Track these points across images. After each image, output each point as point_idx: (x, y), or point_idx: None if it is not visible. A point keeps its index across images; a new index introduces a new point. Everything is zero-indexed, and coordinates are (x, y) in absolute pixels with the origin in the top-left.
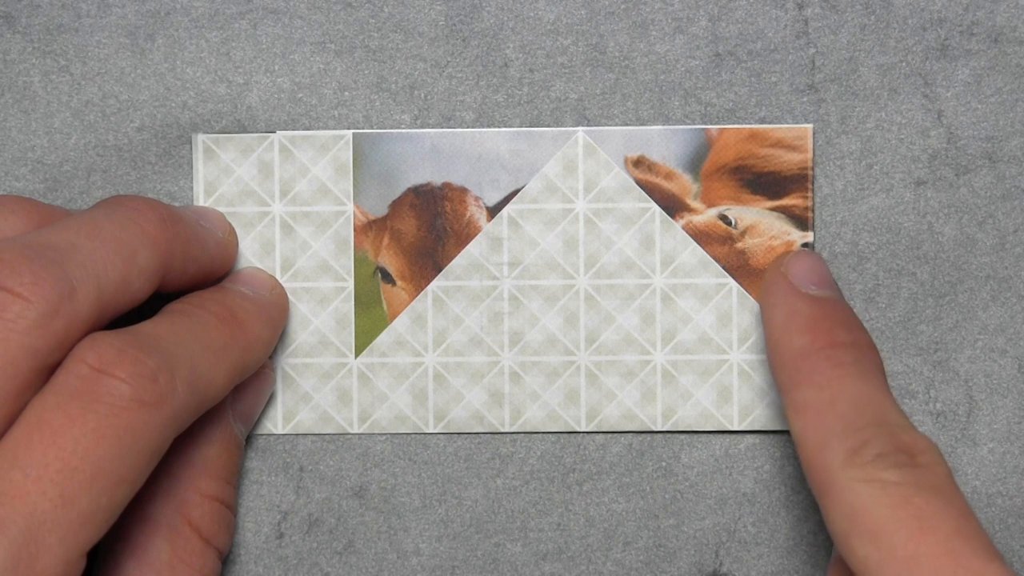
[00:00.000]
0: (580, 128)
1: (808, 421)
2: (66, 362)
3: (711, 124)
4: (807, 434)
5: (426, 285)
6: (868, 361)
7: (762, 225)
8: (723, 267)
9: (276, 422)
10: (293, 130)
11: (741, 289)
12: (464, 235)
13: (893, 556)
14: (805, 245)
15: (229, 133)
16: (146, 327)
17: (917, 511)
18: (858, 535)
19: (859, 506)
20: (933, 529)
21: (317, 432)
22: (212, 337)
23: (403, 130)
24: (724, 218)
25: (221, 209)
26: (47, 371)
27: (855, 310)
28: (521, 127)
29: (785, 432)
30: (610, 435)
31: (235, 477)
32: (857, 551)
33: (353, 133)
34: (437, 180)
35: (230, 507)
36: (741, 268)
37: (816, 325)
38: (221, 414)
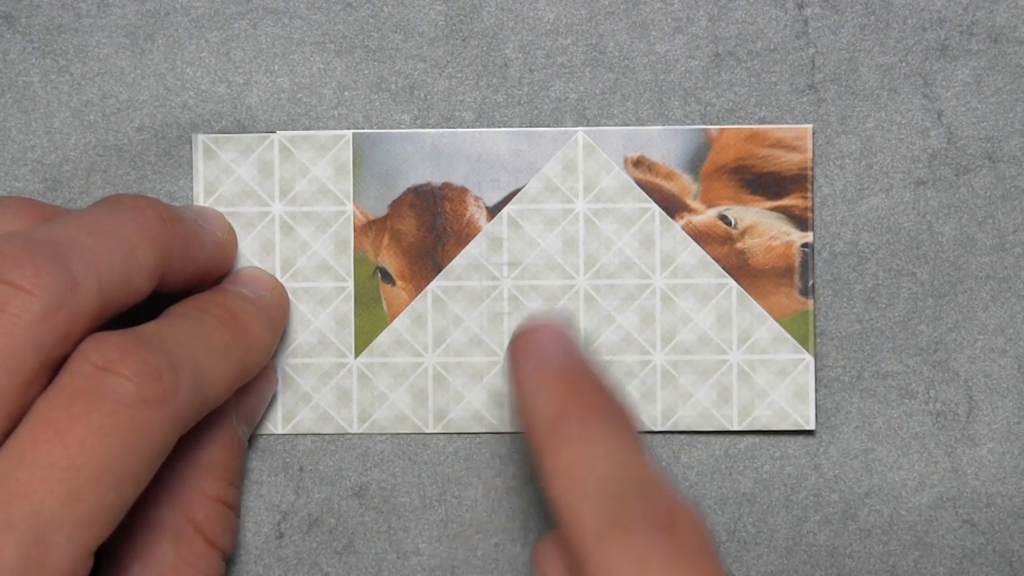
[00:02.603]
0: (580, 128)
1: (563, 485)
2: (70, 361)
3: (711, 124)
4: (561, 501)
5: (426, 285)
6: (620, 423)
7: (762, 225)
8: (723, 267)
9: (276, 422)
10: (293, 130)
11: (741, 289)
12: (464, 235)
13: None
14: (804, 245)
15: (229, 133)
16: (149, 328)
17: None
18: None
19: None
20: None
21: (317, 432)
22: (214, 339)
23: (403, 130)
24: (724, 218)
25: (221, 209)
26: (52, 366)
27: (855, 310)
28: (521, 127)
29: (786, 432)
30: None
31: (238, 478)
32: None
33: (353, 133)
34: (437, 180)
35: (234, 508)
36: (741, 268)
37: (565, 391)
38: (224, 415)
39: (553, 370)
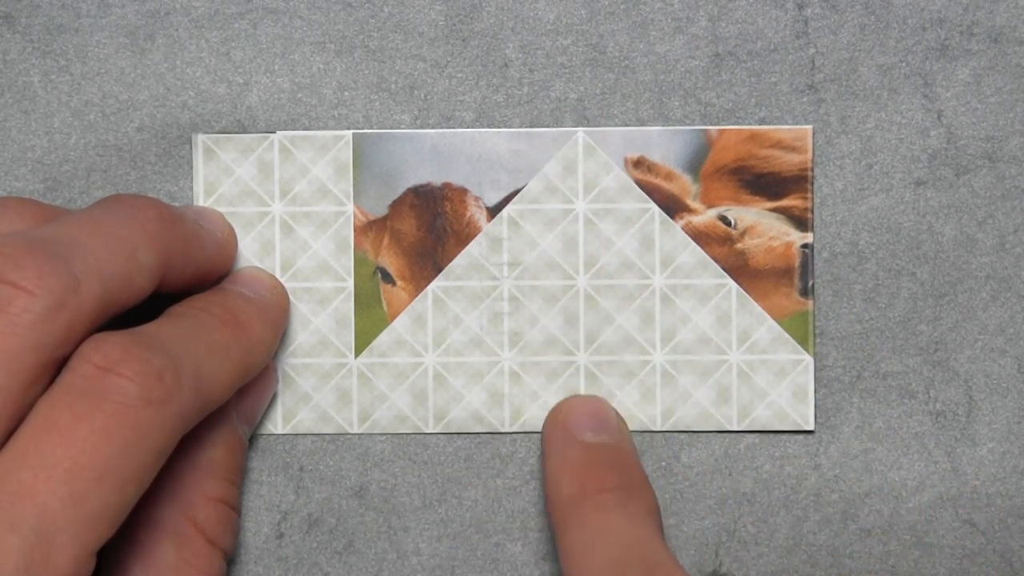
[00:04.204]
0: (580, 128)
1: (572, 564)
2: (71, 362)
3: (711, 124)
4: None
5: (426, 285)
6: (636, 503)
7: (762, 226)
8: (722, 268)
9: (276, 422)
10: (293, 130)
11: (740, 290)
12: (464, 235)
13: None
14: (804, 246)
15: (229, 133)
16: (150, 328)
17: None
18: None
19: None
20: None
21: (317, 432)
22: (215, 339)
23: (403, 130)
24: (724, 219)
25: (221, 209)
26: (53, 366)
27: (855, 310)
28: (521, 127)
29: (786, 432)
30: None
31: (239, 478)
32: None
33: (353, 133)
34: (437, 180)
35: (235, 508)
36: (740, 269)
37: (586, 472)
38: (225, 415)
39: (578, 451)
